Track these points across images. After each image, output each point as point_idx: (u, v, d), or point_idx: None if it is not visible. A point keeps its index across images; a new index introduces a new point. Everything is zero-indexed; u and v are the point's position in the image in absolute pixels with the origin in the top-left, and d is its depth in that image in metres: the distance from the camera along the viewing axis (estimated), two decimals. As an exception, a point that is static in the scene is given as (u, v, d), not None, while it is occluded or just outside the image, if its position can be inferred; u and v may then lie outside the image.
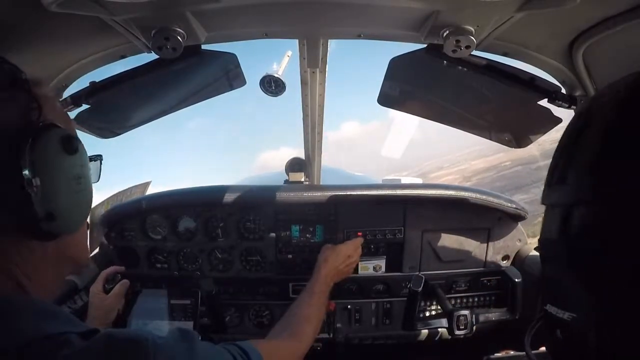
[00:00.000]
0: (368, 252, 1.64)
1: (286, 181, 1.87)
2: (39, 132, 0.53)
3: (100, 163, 0.81)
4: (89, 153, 0.66)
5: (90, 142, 0.86)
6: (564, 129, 0.49)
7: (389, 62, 1.12)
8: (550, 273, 0.45)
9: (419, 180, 3.41)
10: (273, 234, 1.65)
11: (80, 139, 0.62)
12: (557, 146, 0.48)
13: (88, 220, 0.67)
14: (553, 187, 0.46)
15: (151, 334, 0.53)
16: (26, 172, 0.50)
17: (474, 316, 1.44)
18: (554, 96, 1.07)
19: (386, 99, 1.31)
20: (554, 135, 1.28)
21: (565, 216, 0.43)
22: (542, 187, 0.50)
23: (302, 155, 1.90)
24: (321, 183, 2.10)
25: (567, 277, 0.43)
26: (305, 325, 1.07)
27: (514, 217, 1.67)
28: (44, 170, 0.53)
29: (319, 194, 1.61)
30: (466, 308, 1.48)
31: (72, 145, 0.57)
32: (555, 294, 0.44)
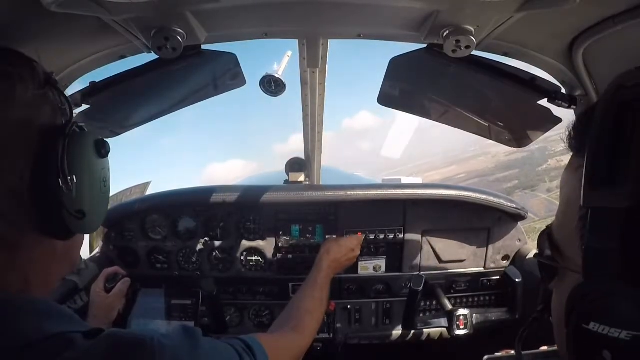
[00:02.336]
0: (368, 252, 1.65)
1: (286, 181, 1.87)
2: (75, 133, 0.55)
3: None
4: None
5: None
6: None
7: (389, 62, 1.12)
8: (596, 287, 0.40)
9: (418, 180, 3.42)
10: (273, 234, 1.65)
11: None
12: (592, 141, 0.41)
13: None
14: (600, 189, 0.40)
15: (156, 333, 0.53)
16: (65, 169, 0.52)
17: (473, 316, 1.44)
18: (554, 96, 1.07)
19: (386, 99, 1.31)
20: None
21: (622, 222, 0.37)
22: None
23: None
24: (321, 183, 2.10)
25: (622, 291, 0.38)
26: (307, 318, 1.06)
27: (514, 217, 1.67)
28: (80, 170, 0.55)
29: (319, 194, 1.61)
30: (466, 308, 1.48)
31: (105, 149, 0.61)
32: (603, 310, 0.38)
